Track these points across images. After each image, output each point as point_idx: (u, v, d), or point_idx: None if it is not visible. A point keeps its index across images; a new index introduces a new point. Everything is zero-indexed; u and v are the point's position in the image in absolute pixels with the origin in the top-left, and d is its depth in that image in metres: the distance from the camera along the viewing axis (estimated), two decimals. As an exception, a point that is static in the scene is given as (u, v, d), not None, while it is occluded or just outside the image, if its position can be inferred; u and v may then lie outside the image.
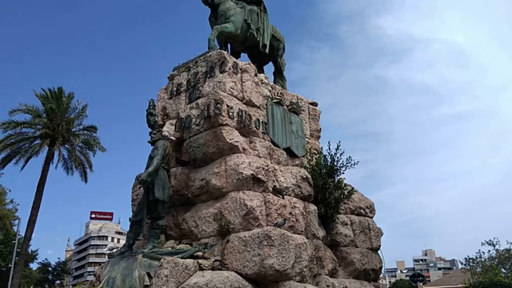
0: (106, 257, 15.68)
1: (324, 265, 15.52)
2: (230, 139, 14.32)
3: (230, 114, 14.68)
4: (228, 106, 14.68)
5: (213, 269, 12.51)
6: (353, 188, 18.04)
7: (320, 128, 19.67)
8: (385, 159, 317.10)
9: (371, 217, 19.11)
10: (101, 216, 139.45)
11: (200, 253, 13.03)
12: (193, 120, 15.11)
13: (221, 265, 12.73)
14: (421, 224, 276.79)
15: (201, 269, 12.42)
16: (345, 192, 17.26)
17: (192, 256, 12.79)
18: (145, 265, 12.43)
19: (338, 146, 17.26)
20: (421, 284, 53.48)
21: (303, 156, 17.52)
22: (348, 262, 16.87)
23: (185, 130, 15.33)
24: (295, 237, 13.56)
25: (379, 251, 19.10)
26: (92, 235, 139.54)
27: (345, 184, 17.43)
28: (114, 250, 15.35)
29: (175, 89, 16.97)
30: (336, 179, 17.30)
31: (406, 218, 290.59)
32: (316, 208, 15.97)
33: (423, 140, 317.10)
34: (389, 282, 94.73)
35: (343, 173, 17.47)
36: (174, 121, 16.04)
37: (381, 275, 22.01)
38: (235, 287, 11.87)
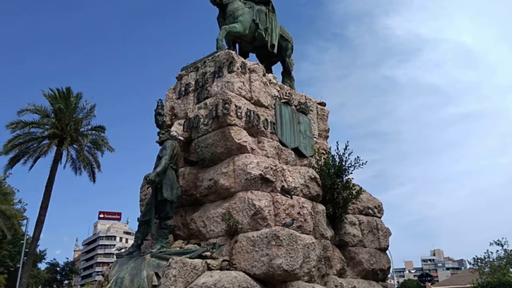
0: (115, 257, 15.72)
1: (333, 265, 15.50)
2: (238, 139, 14.31)
3: (239, 114, 14.67)
4: (236, 106, 14.68)
5: (221, 269, 12.51)
6: (361, 188, 17.99)
7: (329, 128, 19.60)
8: (393, 159, 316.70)
9: (379, 217, 19.05)
10: (109, 216, 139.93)
11: (208, 253, 13.04)
12: (202, 120, 15.12)
13: (229, 265, 12.70)
14: (429, 224, 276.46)
15: (209, 269, 12.43)
16: (354, 192, 17.21)
17: (201, 256, 12.80)
18: (154, 265, 12.49)
19: (346, 146, 17.26)
20: (429, 284, 53.34)
21: (312, 156, 17.46)
22: (357, 262, 16.83)
23: (194, 130, 15.34)
24: (303, 237, 13.54)
25: (387, 251, 19.04)
26: (100, 235, 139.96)
27: (353, 184, 17.39)
28: (123, 250, 15.34)
29: (183, 89, 16.96)
30: (344, 179, 17.26)
31: (414, 218, 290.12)
32: (324, 208, 15.92)
33: (432, 140, 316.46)
34: (397, 282, 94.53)
35: (351, 173, 17.48)
36: (182, 121, 16.05)
37: (389, 275, 21.97)
38: (243, 287, 11.86)
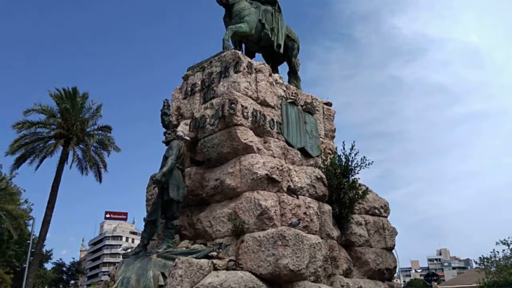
0: (121, 257, 15.75)
1: (339, 265, 15.49)
2: (244, 139, 14.32)
3: (245, 114, 14.67)
4: (242, 106, 14.68)
5: (227, 269, 12.51)
6: (367, 188, 18.00)
7: (335, 128, 19.62)
8: (399, 159, 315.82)
9: (386, 217, 19.05)
10: (116, 216, 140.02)
11: (214, 253, 13.05)
12: (208, 120, 15.14)
13: (235, 265, 12.71)
14: (436, 223, 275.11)
15: (215, 269, 12.43)
16: (360, 192, 17.22)
17: (207, 256, 12.81)
18: (160, 265, 12.51)
19: (352, 146, 17.27)
20: (435, 283, 53.10)
21: (318, 156, 17.47)
22: (363, 262, 16.83)
23: (200, 130, 15.35)
24: (309, 237, 13.51)
25: (393, 251, 19.04)
26: (106, 235, 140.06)
27: (359, 184, 17.40)
28: (129, 250, 15.39)
29: (189, 89, 16.99)
30: (350, 179, 17.27)
31: (421, 218, 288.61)
32: (330, 208, 15.93)
33: (438, 140, 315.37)
34: (404, 281, 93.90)
35: (357, 173, 17.49)
36: (188, 121, 16.07)
37: (395, 275, 21.93)
38: (249, 287, 11.86)
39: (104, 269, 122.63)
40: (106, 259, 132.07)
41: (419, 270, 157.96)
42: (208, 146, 15.04)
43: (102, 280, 45.26)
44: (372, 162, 17.47)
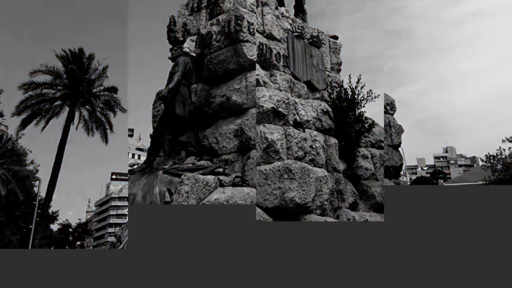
0: (127, 218, 15.79)
1: (345, 198, 15.49)
2: (250, 56, 14.19)
3: (251, 30, 14.52)
4: (248, 22, 14.51)
5: (233, 185, 12.51)
6: (373, 121, 17.97)
7: (341, 62, 19.44)
8: (405, 56, 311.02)
9: (392, 114, 19.20)
10: (122, 177, 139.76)
11: (220, 170, 13.08)
12: (214, 36, 14.97)
13: (241, 181, 12.71)
14: (442, 121, 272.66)
15: (221, 185, 12.44)
16: (366, 125, 17.22)
17: (213, 173, 12.82)
18: (166, 181, 12.47)
19: (358, 80, 17.20)
20: (441, 181, 53.39)
21: (324, 90, 17.39)
22: (369, 196, 16.80)
23: (206, 46, 15.18)
24: (315, 170, 13.47)
25: (399, 148, 19.37)
26: (113, 196, 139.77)
27: (365, 117, 17.38)
28: (135, 166, 15.38)
29: (195, 5, 16.74)
30: (356, 112, 17.22)
31: (427, 115, 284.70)
32: (336, 141, 15.85)
33: (444, 38, 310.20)
34: (410, 179, 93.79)
35: (363, 106, 17.43)
36: (194, 38, 15.90)
37: (401, 172, 22.13)
38: (255, 203, 11.86)
39: (110, 230, 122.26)
40: (112, 220, 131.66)
41: (425, 168, 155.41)
42: (214, 63, 14.88)
43: (108, 241, 45.54)
44: (378, 95, 17.46)
